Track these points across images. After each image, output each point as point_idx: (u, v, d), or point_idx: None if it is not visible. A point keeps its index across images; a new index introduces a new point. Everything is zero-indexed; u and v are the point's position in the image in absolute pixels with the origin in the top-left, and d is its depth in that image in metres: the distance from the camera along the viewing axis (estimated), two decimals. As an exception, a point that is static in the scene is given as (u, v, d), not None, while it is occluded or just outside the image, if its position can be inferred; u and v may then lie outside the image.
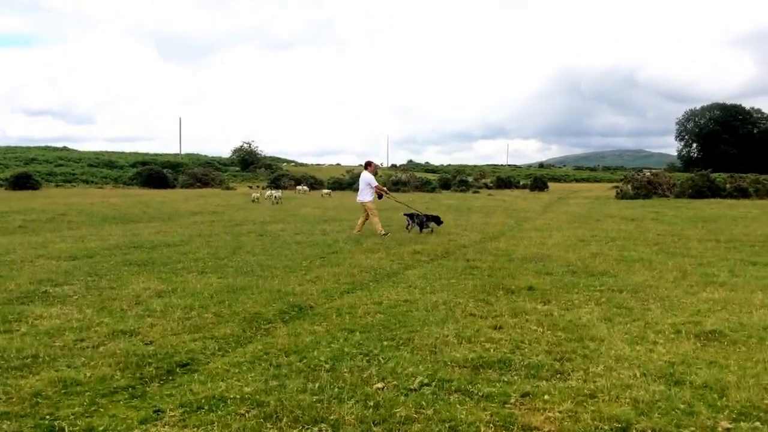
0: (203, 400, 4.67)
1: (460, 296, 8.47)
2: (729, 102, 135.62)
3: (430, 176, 72.03)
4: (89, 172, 70.08)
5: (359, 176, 17.91)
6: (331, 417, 4.37)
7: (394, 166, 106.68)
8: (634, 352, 5.93)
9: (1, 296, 8.30)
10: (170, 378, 5.29)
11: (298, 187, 51.83)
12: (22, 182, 47.77)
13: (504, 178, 75.18)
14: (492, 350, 5.96)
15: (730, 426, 4.26)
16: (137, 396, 4.85)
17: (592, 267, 10.96)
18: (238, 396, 4.75)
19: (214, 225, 19.69)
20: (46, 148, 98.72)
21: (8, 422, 4.30)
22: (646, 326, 6.89)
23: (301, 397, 4.71)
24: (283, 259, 11.83)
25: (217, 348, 6.12)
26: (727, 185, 44.11)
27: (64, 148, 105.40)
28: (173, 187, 58.14)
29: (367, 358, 5.74)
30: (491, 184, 69.98)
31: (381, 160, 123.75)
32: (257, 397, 4.74)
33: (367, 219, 16.72)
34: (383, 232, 16.08)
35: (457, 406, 4.57)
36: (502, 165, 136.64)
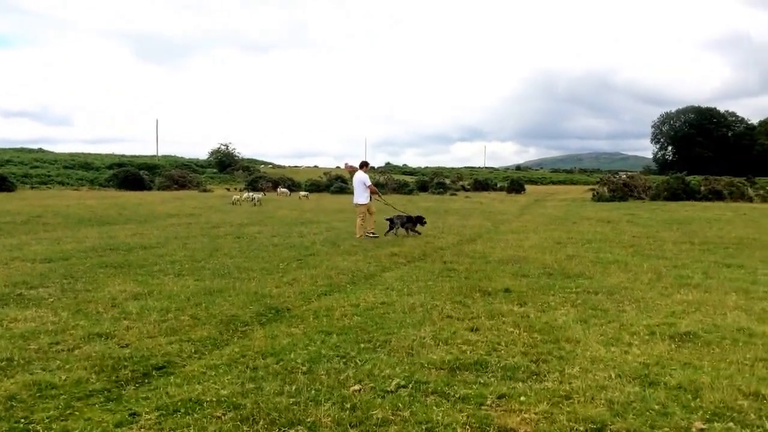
0: (179, 403, 4.64)
1: (437, 298, 8.49)
2: (704, 105, 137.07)
3: (407, 178, 72.07)
4: (65, 174, 69.28)
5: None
6: (308, 419, 4.37)
7: (372, 168, 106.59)
8: (609, 353, 5.99)
9: (-26, 299, 8.19)
10: (146, 381, 5.25)
11: (280, 189, 51.65)
12: (-3, 184, 47.11)
13: (481, 181, 75.48)
14: (468, 352, 5.99)
15: (703, 426, 4.31)
16: (113, 399, 4.81)
17: (569, 269, 11.04)
18: (214, 399, 4.73)
19: (191, 227, 19.57)
20: (22, 150, 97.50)
21: (-19, 426, 4.25)
22: (622, 328, 6.96)
23: (278, 400, 4.70)
24: (260, 262, 11.80)
25: (193, 351, 6.09)
26: (702, 188, 44.69)
27: (40, 150, 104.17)
28: (150, 189, 57.66)
29: (344, 360, 5.74)
30: (469, 187, 70.23)
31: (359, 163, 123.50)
32: (234, 399, 4.72)
33: (367, 217, 16.49)
34: (366, 234, 16.00)
35: (434, 407, 4.59)
36: (479, 167, 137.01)
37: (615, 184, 45.38)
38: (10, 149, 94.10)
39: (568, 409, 4.58)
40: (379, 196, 17.62)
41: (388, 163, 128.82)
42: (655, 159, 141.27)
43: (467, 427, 4.30)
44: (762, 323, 7.17)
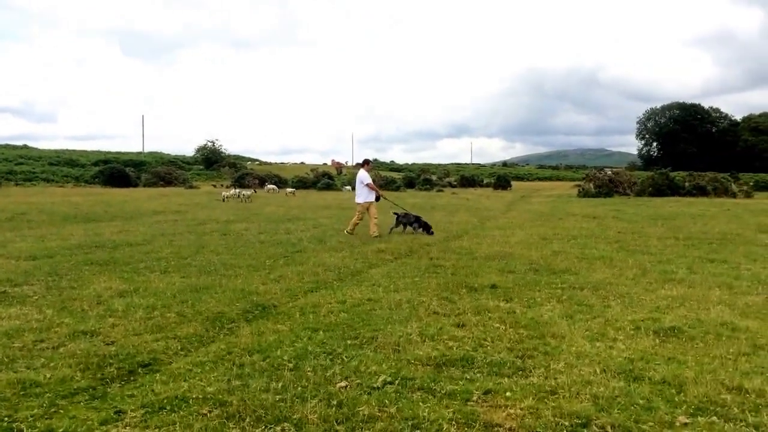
0: (165, 401, 4.63)
1: (424, 294, 8.50)
2: (689, 101, 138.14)
3: (394, 175, 72.17)
4: (50, 171, 68.89)
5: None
6: (294, 416, 4.36)
7: (358, 164, 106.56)
8: (594, 348, 6.02)
9: (-43, 297, 8.13)
10: (132, 378, 5.23)
11: (268, 186, 51.55)
12: (-19, 181, 46.77)
13: (468, 177, 75.68)
14: (455, 348, 6.00)
15: (687, 421, 4.35)
16: (98, 397, 4.79)
17: (554, 265, 11.09)
18: (200, 396, 4.72)
19: (177, 224, 19.49)
20: (6, 147, 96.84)
21: (-36, 425, 4.23)
22: (607, 323, 7.00)
23: (264, 397, 4.69)
24: (247, 258, 11.77)
25: (179, 348, 6.07)
26: (686, 184, 45.03)
27: (25, 147, 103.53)
28: (136, 185, 57.44)
29: (331, 356, 5.75)
30: (455, 183, 70.40)
31: (346, 159, 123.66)
32: (220, 396, 4.71)
33: (368, 217, 16.22)
34: (349, 231, 15.95)
35: (420, 404, 4.60)
36: (466, 164, 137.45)
37: (600, 180, 45.67)
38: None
39: (553, 404, 4.61)
40: (380, 194, 16.84)
41: (375, 160, 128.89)
42: (641, 155, 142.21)
43: (453, 422, 4.31)
44: (745, 318, 7.24)
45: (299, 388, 4.88)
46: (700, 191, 42.89)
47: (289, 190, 47.40)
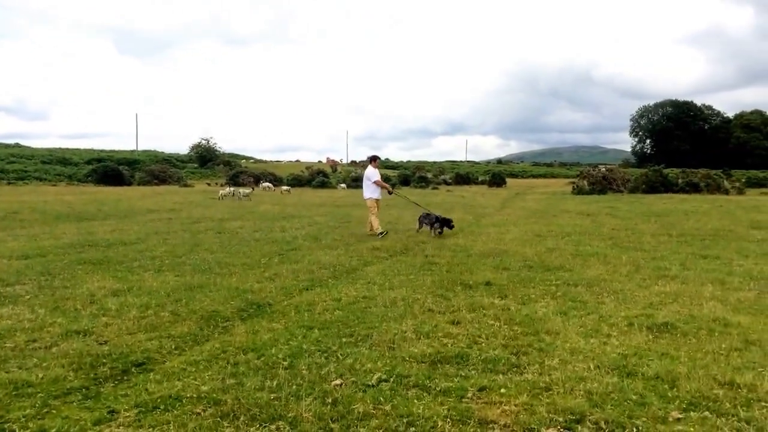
0: (159, 400, 4.62)
1: (419, 292, 8.51)
2: (681, 99, 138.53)
3: (390, 172, 72.11)
4: (42, 169, 68.56)
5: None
6: (289, 414, 4.36)
7: (354, 162, 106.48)
8: (588, 344, 6.04)
9: (-50, 297, 8.10)
10: (125, 378, 5.21)
11: (264, 184, 51.44)
12: (-28, 180, 46.58)
13: (463, 174, 75.72)
14: (450, 345, 6.00)
15: (680, 416, 4.36)
16: (91, 397, 4.77)
17: (549, 262, 11.11)
18: (194, 395, 4.71)
19: (172, 222, 19.44)
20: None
21: (-43, 426, 4.21)
22: (600, 319, 7.01)
23: (259, 395, 4.69)
24: (242, 257, 11.75)
25: (173, 347, 6.06)
26: (679, 180, 45.14)
27: (17, 145, 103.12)
28: (129, 184, 57.23)
29: (326, 354, 5.74)
30: (450, 180, 70.39)
31: (341, 157, 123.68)
32: (214, 395, 4.70)
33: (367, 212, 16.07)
34: (380, 231, 15.50)
35: (415, 401, 4.60)
36: (461, 161, 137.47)
37: (594, 177, 45.73)
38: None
39: (547, 400, 4.62)
40: (390, 191, 16.82)
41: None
42: (634, 152, 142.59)
43: (448, 419, 4.31)
44: (737, 313, 7.27)
45: (294, 387, 4.88)
46: (693, 188, 43.01)
47: (284, 188, 47.36)
